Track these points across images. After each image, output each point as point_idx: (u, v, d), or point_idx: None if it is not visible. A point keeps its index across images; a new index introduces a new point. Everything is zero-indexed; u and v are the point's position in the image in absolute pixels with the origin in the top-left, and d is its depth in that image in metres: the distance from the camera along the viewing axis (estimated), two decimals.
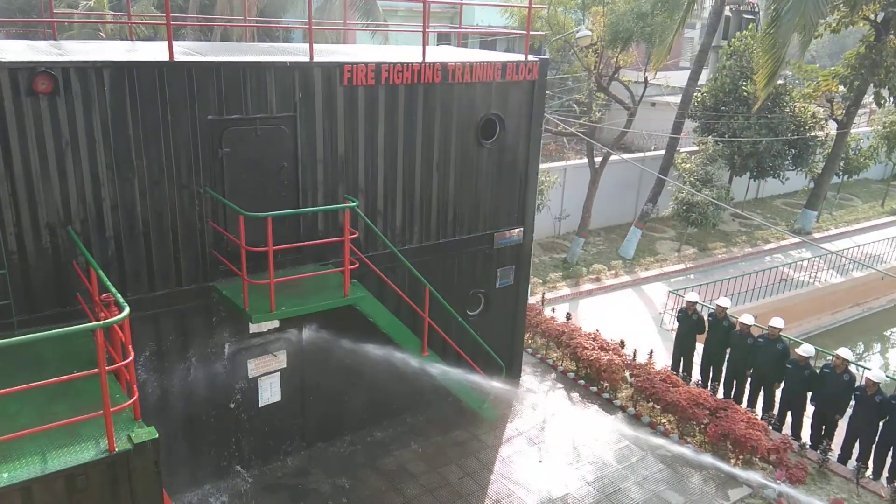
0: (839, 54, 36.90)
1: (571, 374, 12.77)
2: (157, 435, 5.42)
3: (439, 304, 9.92)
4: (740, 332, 12.13)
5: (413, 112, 9.67)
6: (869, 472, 10.57)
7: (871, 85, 23.09)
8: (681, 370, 13.01)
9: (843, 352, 10.95)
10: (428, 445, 10.59)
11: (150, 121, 7.71)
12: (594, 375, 12.41)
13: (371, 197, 9.68)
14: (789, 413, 11.60)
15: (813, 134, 23.80)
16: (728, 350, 12.46)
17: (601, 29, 19.01)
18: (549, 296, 17.04)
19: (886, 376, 11.23)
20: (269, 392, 9.52)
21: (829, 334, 20.60)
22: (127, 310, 5.49)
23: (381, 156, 9.59)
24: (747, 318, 12.17)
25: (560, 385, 12.57)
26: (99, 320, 5.79)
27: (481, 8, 27.56)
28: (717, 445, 10.61)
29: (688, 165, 21.82)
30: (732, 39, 24.10)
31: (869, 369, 11.60)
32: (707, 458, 10.44)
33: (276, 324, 9.18)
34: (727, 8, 24.21)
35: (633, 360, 12.62)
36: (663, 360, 13.41)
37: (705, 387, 12.49)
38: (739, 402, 12.15)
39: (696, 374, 13.03)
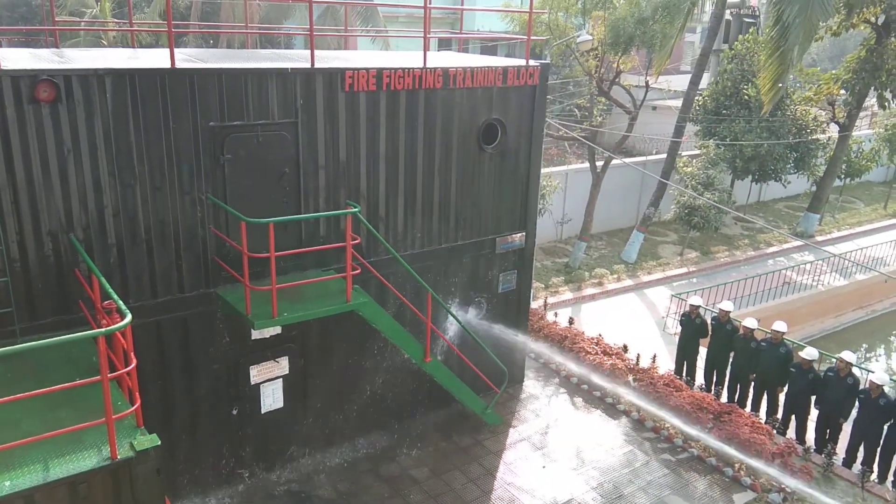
0: (840, 57, 36.93)
1: (574, 379, 12.75)
2: (160, 442, 5.41)
3: (441, 309, 9.90)
4: (743, 336, 12.10)
5: (414, 117, 9.68)
6: (874, 476, 10.52)
7: (873, 88, 23.06)
8: (684, 374, 13.00)
9: (847, 355, 10.91)
10: (431, 451, 10.57)
11: (152, 128, 7.72)
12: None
13: (373, 202, 9.68)
14: (793, 417, 11.57)
15: (815, 137, 23.77)
16: (731, 354, 12.42)
17: (602, 33, 19.03)
18: (551, 300, 17.04)
19: (891, 379, 11.19)
20: (272, 398, 9.50)
21: (833, 337, 20.57)
22: (129, 317, 5.48)
23: (383, 161, 9.59)
24: (750, 322, 12.13)
25: (563, 389, 12.55)
26: (101, 327, 5.78)
27: (482, 13, 27.62)
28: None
29: (689, 169, 21.80)
30: (735, 43, 24.11)
31: (873, 372, 11.54)
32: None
33: (278, 330, 9.16)
34: (728, 12, 24.26)
35: (637, 364, 12.60)
36: (667, 365, 13.38)
37: (709, 391, 12.46)
38: (743, 406, 12.10)
39: (699, 378, 13.01)
